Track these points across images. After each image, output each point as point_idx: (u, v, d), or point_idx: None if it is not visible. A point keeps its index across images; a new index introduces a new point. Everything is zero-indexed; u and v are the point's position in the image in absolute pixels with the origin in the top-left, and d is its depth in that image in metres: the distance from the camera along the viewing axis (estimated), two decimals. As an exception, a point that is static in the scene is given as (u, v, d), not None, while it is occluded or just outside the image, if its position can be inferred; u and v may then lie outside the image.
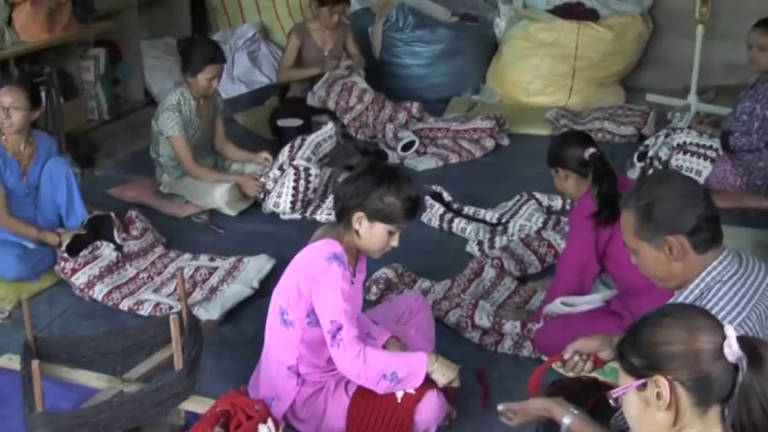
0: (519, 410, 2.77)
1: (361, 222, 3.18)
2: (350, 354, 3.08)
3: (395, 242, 3.26)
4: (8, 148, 4.68)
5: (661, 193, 2.62)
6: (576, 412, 2.57)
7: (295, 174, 5.44)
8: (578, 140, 4.08)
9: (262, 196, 5.57)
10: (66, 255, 4.59)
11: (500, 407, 2.81)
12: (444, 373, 3.23)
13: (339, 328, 3.08)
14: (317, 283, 3.11)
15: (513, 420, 2.78)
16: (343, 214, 3.22)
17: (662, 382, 1.94)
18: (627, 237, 2.70)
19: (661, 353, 1.96)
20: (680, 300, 2.60)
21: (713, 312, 2.37)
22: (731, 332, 1.93)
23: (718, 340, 1.94)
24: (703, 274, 2.58)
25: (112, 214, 4.89)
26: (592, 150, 3.93)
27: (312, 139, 5.76)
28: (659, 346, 1.96)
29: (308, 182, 5.45)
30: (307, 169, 5.47)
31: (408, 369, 3.15)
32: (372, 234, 3.20)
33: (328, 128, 5.93)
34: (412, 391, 3.17)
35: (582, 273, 3.98)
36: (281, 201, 5.45)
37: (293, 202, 5.45)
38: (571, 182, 4.05)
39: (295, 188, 5.43)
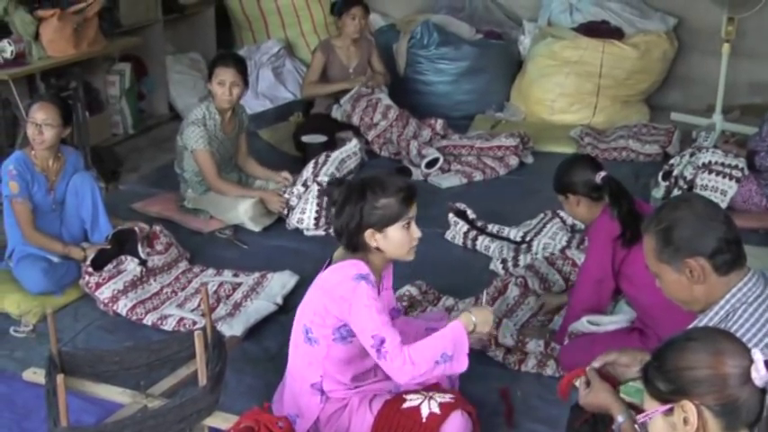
0: (591, 387, 2.74)
1: (374, 238, 3.18)
2: (398, 362, 3.06)
3: (417, 233, 3.25)
4: (37, 164, 4.71)
5: (680, 216, 2.62)
6: (630, 413, 2.55)
7: (319, 190, 5.45)
8: (587, 164, 4.06)
9: (285, 212, 5.58)
10: (90, 269, 4.61)
11: (595, 364, 2.81)
12: (484, 322, 3.20)
13: (382, 341, 3.06)
14: (347, 302, 3.11)
15: (581, 389, 2.77)
16: (354, 242, 3.22)
17: (689, 407, 1.93)
18: (649, 260, 2.71)
19: (687, 378, 1.95)
20: (704, 322, 2.59)
21: (738, 335, 2.37)
22: (758, 356, 1.92)
23: (745, 364, 1.93)
24: (728, 296, 2.57)
25: (136, 228, 4.90)
26: (603, 173, 3.93)
27: (336, 155, 5.77)
28: (685, 371, 1.95)
29: (303, 221, 5.48)
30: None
31: (453, 342, 3.11)
32: (392, 240, 3.20)
33: (352, 144, 5.94)
34: (437, 411, 3.14)
35: (599, 289, 3.97)
36: (304, 217, 5.46)
37: (317, 219, 5.45)
38: (583, 207, 4.03)
39: (319, 204, 5.44)
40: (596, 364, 2.82)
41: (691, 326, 2.60)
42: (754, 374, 1.91)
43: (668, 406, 1.97)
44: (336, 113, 6.97)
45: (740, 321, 2.51)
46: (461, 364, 3.13)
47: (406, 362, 3.05)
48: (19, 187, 4.58)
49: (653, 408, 2.02)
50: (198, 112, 5.58)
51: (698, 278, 2.57)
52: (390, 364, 3.07)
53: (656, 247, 2.65)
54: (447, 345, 3.11)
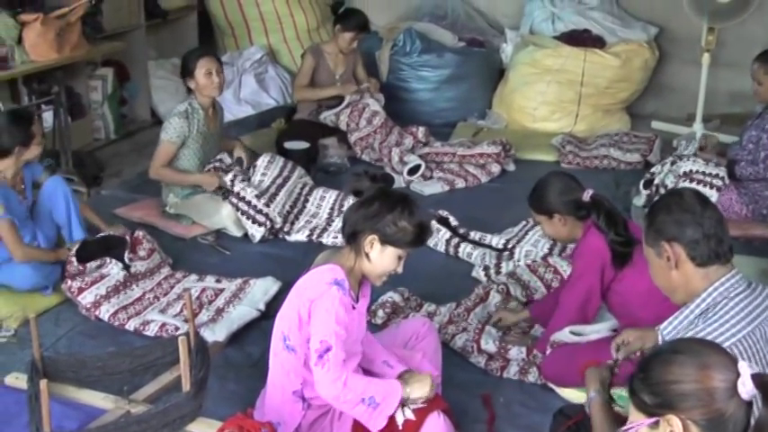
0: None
1: (372, 245, 3.19)
2: (333, 376, 3.07)
3: (400, 268, 3.27)
4: (7, 180, 4.67)
5: (667, 203, 2.76)
6: (602, 392, 2.73)
7: (233, 206, 5.51)
8: (571, 182, 3.96)
9: (221, 190, 5.60)
10: (74, 259, 4.60)
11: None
12: (420, 388, 3.21)
13: (328, 349, 3.07)
14: (313, 302, 3.12)
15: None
16: (354, 238, 3.23)
17: (675, 421, 1.92)
18: (644, 246, 2.83)
19: (673, 391, 1.93)
20: (685, 314, 2.65)
21: (716, 327, 2.48)
22: (745, 369, 1.91)
23: (732, 378, 1.91)
24: (710, 289, 2.63)
25: (128, 237, 4.91)
26: (590, 191, 3.86)
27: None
28: (671, 385, 1.94)
29: (250, 203, 5.48)
30: (237, 193, 5.51)
31: (385, 394, 3.13)
32: (383, 258, 3.21)
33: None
34: (412, 417, 3.14)
35: (584, 307, 3.93)
36: (253, 232, 5.49)
37: (260, 224, 5.46)
38: (568, 227, 3.94)
39: (245, 214, 5.49)
40: (620, 355, 3.06)
41: (672, 317, 2.70)
42: (740, 388, 1.89)
43: (653, 419, 1.96)
44: (326, 120, 7.05)
45: (720, 313, 2.57)
46: (378, 421, 3.13)
47: (339, 379, 3.07)
48: (3, 207, 4.51)
49: (638, 420, 2.00)
50: (181, 106, 5.62)
51: (672, 263, 2.68)
52: (326, 374, 3.07)
53: (644, 230, 2.78)
54: (379, 392, 3.13)
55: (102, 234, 4.89)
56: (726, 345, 2.43)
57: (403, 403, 3.18)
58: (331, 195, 5.85)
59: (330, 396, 3.12)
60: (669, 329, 2.68)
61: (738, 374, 1.91)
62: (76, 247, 4.68)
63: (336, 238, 5.44)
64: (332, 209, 5.79)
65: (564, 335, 3.90)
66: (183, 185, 5.68)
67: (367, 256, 3.21)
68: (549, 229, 4.05)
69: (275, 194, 5.62)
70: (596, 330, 3.91)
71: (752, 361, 2.46)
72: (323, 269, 3.20)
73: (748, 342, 2.49)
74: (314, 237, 5.52)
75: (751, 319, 2.54)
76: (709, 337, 2.47)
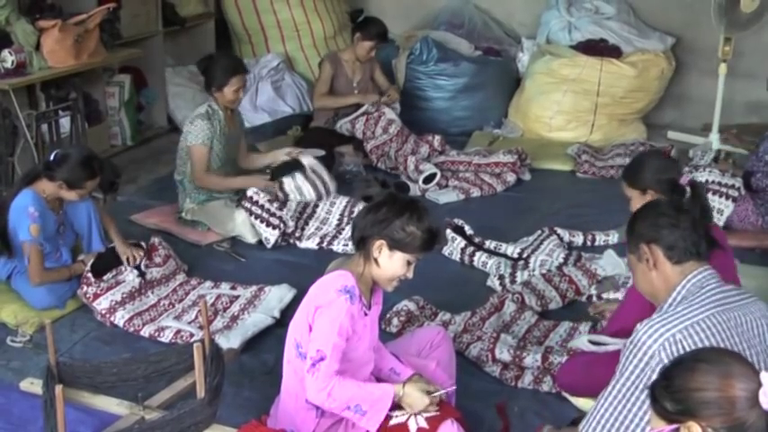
0: None
1: (381, 250, 3.19)
2: (320, 385, 3.08)
3: (410, 273, 3.26)
4: (48, 202, 4.68)
5: (643, 211, 2.96)
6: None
7: (246, 211, 5.53)
8: (671, 163, 3.97)
9: (276, 188, 5.65)
10: (90, 275, 4.60)
11: None
12: (412, 402, 3.18)
13: (322, 359, 3.08)
14: (318, 309, 3.12)
15: None
16: (363, 243, 3.23)
17: (695, 429, 1.93)
18: (627, 256, 3.00)
19: (695, 399, 1.95)
20: (665, 308, 2.73)
21: (683, 307, 2.60)
22: (767, 380, 1.92)
23: (754, 387, 1.93)
24: (684, 281, 2.76)
25: (143, 244, 4.92)
26: (690, 177, 3.82)
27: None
28: (693, 392, 1.95)
29: (263, 206, 5.51)
30: (250, 198, 5.53)
31: (372, 402, 3.13)
32: (392, 263, 3.20)
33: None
34: (425, 426, 3.13)
35: (650, 306, 3.85)
36: (267, 236, 5.51)
37: (274, 227, 5.48)
38: None
39: (258, 217, 5.50)
40: None
41: (654, 314, 2.74)
42: (762, 398, 1.90)
43: (674, 426, 1.97)
44: (342, 129, 7.06)
45: (690, 298, 2.69)
46: (369, 423, 3.14)
47: (324, 390, 3.08)
48: (38, 230, 4.52)
49: (659, 427, 2.01)
50: (201, 108, 5.64)
51: (651, 264, 2.82)
52: (313, 383, 3.09)
53: (627, 241, 2.95)
54: (367, 400, 3.13)
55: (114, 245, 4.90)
56: (688, 323, 2.54)
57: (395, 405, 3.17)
58: (341, 201, 5.87)
59: (317, 402, 3.15)
60: (645, 323, 2.65)
61: (760, 384, 1.92)
62: (91, 261, 4.68)
63: (347, 245, 5.44)
64: (342, 215, 5.80)
65: (582, 343, 3.86)
66: (231, 190, 5.71)
67: (376, 261, 3.21)
68: (639, 206, 3.97)
69: (286, 199, 5.70)
70: (615, 342, 3.87)
71: (712, 340, 2.53)
72: (333, 276, 3.20)
73: (711, 321, 2.57)
74: (324, 244, 5.53)
75: (718, 304, 2.64)
76: (674, 316, 2.59)
